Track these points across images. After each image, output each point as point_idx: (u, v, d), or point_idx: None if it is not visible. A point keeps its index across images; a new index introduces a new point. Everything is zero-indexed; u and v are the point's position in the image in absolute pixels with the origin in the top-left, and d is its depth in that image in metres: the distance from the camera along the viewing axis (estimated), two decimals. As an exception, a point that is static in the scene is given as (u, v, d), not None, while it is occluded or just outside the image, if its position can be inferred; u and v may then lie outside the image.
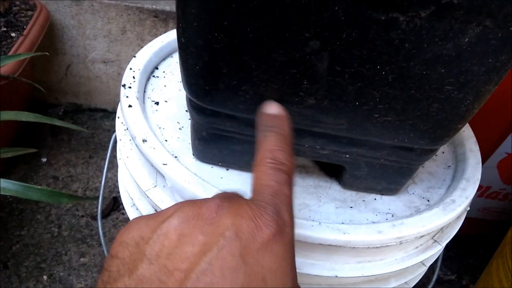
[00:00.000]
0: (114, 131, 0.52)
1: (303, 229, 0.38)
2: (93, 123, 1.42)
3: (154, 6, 1.22)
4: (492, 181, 0.96)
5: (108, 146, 0.61)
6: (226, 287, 0.22)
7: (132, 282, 0.23)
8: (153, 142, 0.43)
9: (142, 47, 0.56)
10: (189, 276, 0.22)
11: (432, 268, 0.52)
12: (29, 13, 1.17)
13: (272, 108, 0.35)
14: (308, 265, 0.41)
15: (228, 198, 0.27)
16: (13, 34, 1.10)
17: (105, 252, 0.64)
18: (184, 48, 0.35)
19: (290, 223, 0.27)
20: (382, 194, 0.46)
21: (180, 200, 0.41)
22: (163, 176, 0.42)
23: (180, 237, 0.24)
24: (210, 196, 0.29)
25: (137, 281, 0.23)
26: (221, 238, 0.24)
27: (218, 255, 0.23)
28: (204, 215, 0.25)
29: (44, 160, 1.28)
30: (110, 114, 1.45)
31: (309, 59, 0.32)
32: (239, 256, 0.23)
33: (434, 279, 0.58)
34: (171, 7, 1.22)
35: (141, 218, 0.27)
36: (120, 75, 1.38)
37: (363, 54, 0.32)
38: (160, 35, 0.58)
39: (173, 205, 0.28)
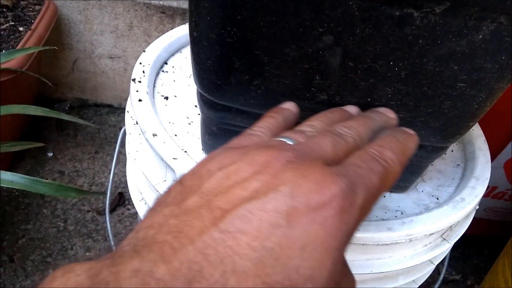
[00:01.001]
0: (120, 127, 0.52)
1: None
2: (99, 118, 1.42)
3: (161, 2, 1.22)
4: (499, 181, 0.96)
5: (114, 141, 0.61)
6: (258, 240, 0.21)
7: (176, 211, 0.23)
8: (163, 137, 0.43)
9: (149, 43, 0.56)
10: (225, 216, 0.21)
11: (437, 268, 0.51)
12: (37, 7, 1.18)
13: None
14: (316, 261, 0.41)
15: (304, 155, 0.25)
16: (21, 29, 1.11)
17: (113, 247, 0.64)
18: (196, 42, 0.35)
19: (361, 208, 0.24)
20: (392, 192, 0.45)
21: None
22: (173, 171, 0.42)
23: (238, 180, 0.23)
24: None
25: (181, 211, 0.22)
26: (273, 191, 0.22)
27: (262, 206, 0.22)
28: (271, 164, 0.24)
29: (50, 154, 1.28)
30: (116, 109, 1.46)
31: (322, 54, 0.32)
32: (285, 214, 0.21)
33: (441, 278, 0.58)
34: (178, 3, 1.22)
35: (219, 152, 0.26)
36: (126, 71, 1.38)
37: (376, 50, 0.32)
38: (167, 31, 0.58)
39: (249, 146, 0.27)
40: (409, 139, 0.31)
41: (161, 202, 0.24)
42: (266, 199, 0.22)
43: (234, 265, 0.20)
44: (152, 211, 0.24)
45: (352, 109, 0.35)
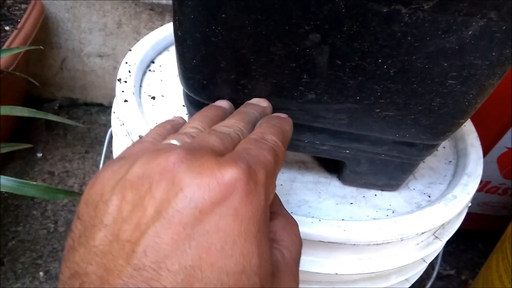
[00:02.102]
0: (110, 126, 0.51)
1: (303, 226, 0.38)
2: (89, 117, 1.41)
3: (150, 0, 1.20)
4: (492, 176, 0.96)
5: (105, 141, 0.60)
6: (175, 261, 0.20)
7: (88, 255, 0.21)
8: (150, 138, 0.42)
9: (138, 40, 0.55)
10: (135, 250, 0.20)
11: (431, 264, 0.51)
12: (23, 6, 1.16)
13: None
14: (308, 262, 0.40)
15: (195, 150, 0.23)
16: (7, 28, 1.09)
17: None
18: (181, 41, 0.34)
19: (265, 185, 0.23)
20: (383, 190, 0.45)
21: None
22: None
23: (135, 198, 0.22)
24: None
25: (92, 254, 0.21)
26: (173, 202, 0.21)
27: (167, 224, 0.20)
28: (161, 168, 0.22)
29: (39, 155, 1.26)
30: (106, 108, 1.44)
31: (309, 53, 0.32)
32: (192, 223, 0.20)
33: (434, 276, 0.58)
34: (167, 0, 1.20)
35: (106, 168, 0.24)
36: (116, 69, 1.36)
37: (364, 47, 0.31)
38: (157, 28, 0.57)
39: (139, 152, 0.25)
40: (284, 121, 0.32)
41: (69, 247, 0.23)
42: (169, 215, 0.21)
43: None
44: (64, 260, 0.23)
45: (223, 103, 0.35)
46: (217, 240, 0.21)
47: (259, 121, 0.32)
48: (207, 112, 0.33)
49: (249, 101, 0.35)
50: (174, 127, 0.32)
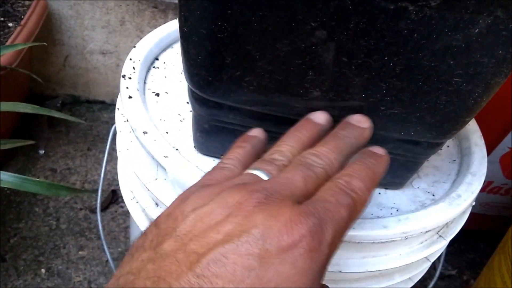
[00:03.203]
0: (113, 124, 0.51)
1: (307, 224, 0.38)
2: (91, 115, 1.41)
3: (153, -3, 1.20)
4: (494, 176, 0.96)
5: (107, 138, 0.60)
6: (232, 283, 0.22)
7: (153, 256, 0.23)
8: (154, 134, 0.42)
9: (141, 38, 0.55)
10: (200, 261, 0.22)
11: (433, 264, 0.51)
12: (27, 3, 1.16)
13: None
14: (311, 260, 0.40)
15: (275, 195, 0.25)
16: (10, 24, 1.09)
17: (105, 245, 0.63)
18: (186, 37, 0.34)
19: (330, 244, 0.24)
20: (387, 188, 0.45)
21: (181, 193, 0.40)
22: (164, 169, 0.41)
23: (211, 222, 0.24)
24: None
25: (157, 256, 0.23)
26: (245, 234, 0.23)
27: (236, 249, 0.22)
28: (242, 206, 0.24)
29: (42, 152, 1.27)
30: (108, 106, 1.44)
31: (315, 50, 0.32)
32: (257, 256, 0.22)
33: (437, 275, 0.58)
34: (170, -2, 1.21)
35: (193, 191, 0.27)
36: (118, 66, 1.36)
37: (371, 44, 0.31)
38: (160, 26, 0.57)
39: (222, 183, 0.27)
40: (379, 162, 0.31)
41: (139, 246, 0.25)
42: (239, 243, 0.23)
43: None
44: (130, 256, 0.25)
45: (320, 117, 0.34)
46: (273, 279, 0.22)
47: (354, 156, 0.31)
48: (300, 132, 0.32)
49: (349, 119, 0.34)
50: (254, 148, 0.33)
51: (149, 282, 0.22)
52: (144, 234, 0.26)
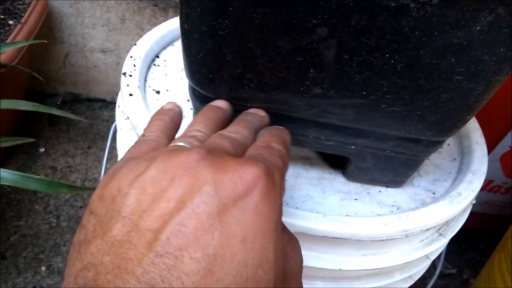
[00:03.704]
0: (113, 122, 0.51)
1: (308, 221, 0.38)
2: (92, 113, 1.41)
3: (153, -5, 1.20)
4: (495, 175, 0.96)
5: (107, 136, 0.60)
6: (198, 250, 0.20)
7: (105, 245, 0.21)
8: (154, 132, 0.42)
9: (141, 36, 0.55)
10: (159, 238, 0.20)
11: (433, 262, 0.51)
12: (27, 0, 1.16)
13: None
14: (312, 257, 0.40)
15: (215, 151, 0.25)
16: (10, 22, 1.09)
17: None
18: (187, 35, 0.34)
19: (280, 186, 0.25)
20: (387, 187, 0.45)
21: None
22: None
23: (156, 191, 0.22)
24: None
25: (109, 244, 0.21)
26: (198, 194, 0.22)
27: (192, 213, 0.21)
28: (184, 165, 0.23)
29: (42, 150, 1.27)
30: (108, 104, 1.44)
31: (316, 47, 0.32)
32: (216, 214, 0.21)
33: (437, 273, 0.58)
34: (171, -4, 1.20)
35: (121, 165, 0.25)
36: (119, 64, 1.36)
37: (372, 42, 0.31)
38: (160, 24, 0.57)
39: (154, 152, 0.26)
40: (283, 131, 0.33)
41: (81, 240, 0.22)
42: (194, 205, 0.21)
43: (184, 284, 0.20)
44: (76, 252, 0.22)
45: (222, 103, 0.36)
46: (238, 232, 0.21)
47: (260, 131, 0.33)
48: (208, 114, 0.34)
49: (247, 111, 0.36)
50: (173, 119, 0.33)
51: (111, 275, 0.20)
52: (82, 226, 0.23)
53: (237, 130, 0.31)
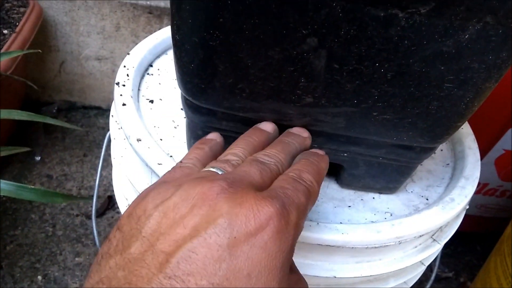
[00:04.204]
0: (109, 129, 0.51)
1: (301, 230, 0.38)
2: (87, 121, 1.41)
3: (148, 3, 1.20)
4: (490, 178, 0.96)
5: (103, 144, 0.60)
6: (205, 278, 0.21)
7: (122, 261, 0.23)
8: (148, 141, 0.42)
9: (136, 44, 0.55)
10: (170, 261, 0.22)
11: (430, 266, 0.51)
12: (22, 9, 1.16)
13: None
14: (306, 265, 0.40)
15: (236, 183, 0.26)
16: (5, 31, 1.09)
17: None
18: (179, 45, 0.34)
19: (295, 225, 0.25)
20: (381, 193, 0.45)
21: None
22: (158, 176, 0.41)
23: (176, 217, 0.24)
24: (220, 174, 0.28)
25: (126, 261, 0.23)
26: (212, 225, 0.23)
27: (204, 242, 0.22)
28: (204, 196, 0.24)
29: (37, 158, 1.26)
30: (104, 111, 1.44)
31: (306, 57, 0.32)
32: (226, 246, 0.22)
33: (432, 278, 0.58)
34: (165, 3, 1.21)
35: (153, 188, 0.27)
36: (114, 72, 1.36)
37: (362, 51, 0.31)
38: (155, 31, 0.57)
39: (183, 179, 0.27)
40: (321, 160, 0.34)
41: (104, 253, 0.24)
42: (207, 235, 0.23)
43: None
44: (97, 265, 0.24)
45: (268, 126, 0.37)
46: (245, 267, 0.22)
47: (298, 156, 0.34)
48: (250, 137, 0.34)
49: (290, 130, 0.37)
50: (212, 149, 0.35)
51: None
52: (108, 240, 0.25)
53: (272, 154, 0.31)
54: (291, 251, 0.25)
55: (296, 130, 0.37)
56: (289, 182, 0.28)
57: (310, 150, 0.36)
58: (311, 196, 0.29)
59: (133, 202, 0.26)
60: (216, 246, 0.22)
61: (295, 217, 0.25)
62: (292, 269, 0.29)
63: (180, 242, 0.22)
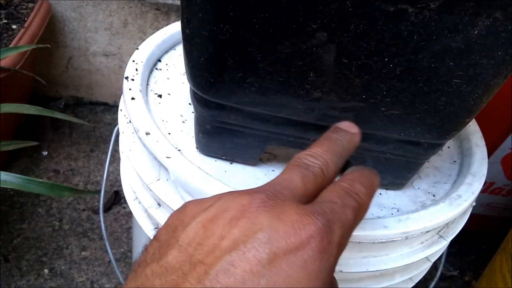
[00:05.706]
0: (116, 125, 0.51)
1: (308, 224, 0.38)
2: (94, 116, 1.42)
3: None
4: (496, 177, 0.96)
5: (109, 139, 0.60)
6: None
7: (158, 270, 0.23)
8: (157, 135, 0.43)
9: (143, 40, 0.56)
10: (209, 273, 0.21)
11: (434, 264, 0.51)
12: (30, 5, 1.17)
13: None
14: (312, 260, 0.40)
15: (277, 195, 0.25)
16: (14, 26, 1.10)
17: (107, 246, 0.63)
18: (189, 39, 0.34)
19: (338, 245, 0.24)
20: (388, 189, 0.45)
21: (183, 194, 0.41)
22: (167, 170, 0.41)
23: (214, 228, 0.23)
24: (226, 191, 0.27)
25: (162, 269, 0.22)
26: (252, 239, 0.22)
27: (243, 256, 0.22)
28: (243, 208, 0.24)
29: (45, 153, 1.27)
30: (111, 107, 1.45)
31: (315, 51, 0.32)
32: (266, 262, 0.22)
33: (437, 275, 0.58)
34: (173, 0, 1.21)
35: (190, 202, 0.26)
36: (121, 68, 1.37)
37: (371, 46, 0.31)
38: (162, 28, 0.57)
39: (222, 193, 0.27)
40: (374, 174, 0.31)
41: (141, 262, 0.24)
42: (246, 249, 0.22)
43: None
44: (134, 272, 0.24)
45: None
46: (284, 284, 0.22)
47: (350, 168, 0.31)
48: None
49: (338, 125, 0.33)
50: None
51: None
52: (145, 249, 0.25)
53: (317, 154, 0.29)
54: (331, 271, 0.24)
55: (344, 125, 0.33)
56: (340, 196, 0.26)
57: (359, 166, 0.32)
58: (360, 212, 0.27)
59: (171, 214, 0.26)
60: (256, 261, 0.22)
61: (338, 236, 0.24)
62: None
63: (218, 254, 0.22)
